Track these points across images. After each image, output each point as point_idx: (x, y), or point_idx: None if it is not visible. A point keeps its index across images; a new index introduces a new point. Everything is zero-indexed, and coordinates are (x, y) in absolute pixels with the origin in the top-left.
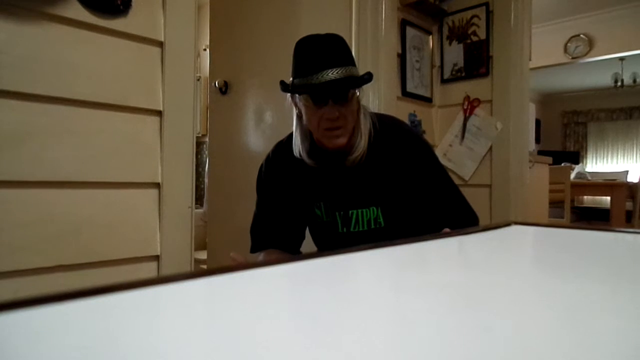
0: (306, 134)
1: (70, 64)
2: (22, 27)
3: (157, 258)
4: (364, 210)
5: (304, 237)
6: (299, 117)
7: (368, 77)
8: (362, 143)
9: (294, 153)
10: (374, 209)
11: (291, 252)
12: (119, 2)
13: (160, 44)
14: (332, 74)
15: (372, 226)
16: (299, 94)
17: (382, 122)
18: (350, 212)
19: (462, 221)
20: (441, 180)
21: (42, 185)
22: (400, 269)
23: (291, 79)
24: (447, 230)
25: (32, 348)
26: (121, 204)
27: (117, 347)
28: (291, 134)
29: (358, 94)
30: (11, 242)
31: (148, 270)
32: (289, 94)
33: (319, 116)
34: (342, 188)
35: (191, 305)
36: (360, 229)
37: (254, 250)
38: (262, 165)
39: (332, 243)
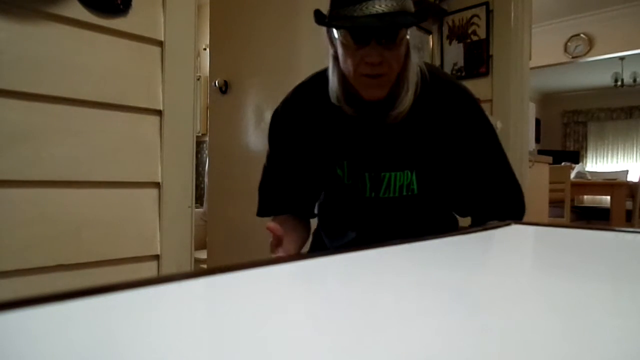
0: (341, 79)
1: (70, 63)
2: (22, 27)
3: (157, 258)
4: (398, 173)
5: (318, 199)
6: (335, 58)
7: (424, 15)
8: (407, 97)
9: (331, 99)
10: (408, 173)
11: (305, 217)
12: (119, 1)
13: (160, 44)
14: (379, 5)
15: (404, 193)
16: (336, 29)
17: (433, 75)
18: (382, 174)
19: (504, 212)
20: (493, 157)
21: (42, 185)
22: (400, 268)
23: (329, 8)
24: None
25: (32, 348)
26: (121, 203)
27: (117, 346)
28: (313, 76)
29: (409, 35)
30: (11, 242)
31: (148, 270)
32: (325, 29)
33: (358, 58)
34: (376, 146)
35: (191, 305)
36: (391, 195)
37: (262, 213)
38: (277, 110)
39: (356, 210)
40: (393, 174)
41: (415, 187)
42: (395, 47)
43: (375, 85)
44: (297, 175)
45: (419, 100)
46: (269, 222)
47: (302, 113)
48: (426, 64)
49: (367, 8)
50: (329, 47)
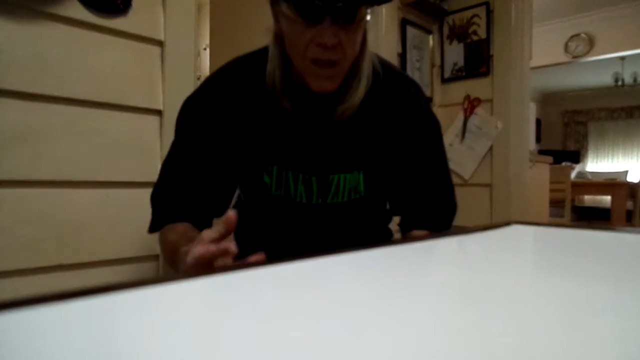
0: (284, 62)
1: (70, 63)
2: (22, 27)
3: (157, 258)
4: (347, 175)
5: (224, 210)
6: (278, 36)
7: None
8: (359, 91)
9: (267, 87)
10: (357, 174)
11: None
12: (119, 1)
13: (161, 44)
14: None
15: (353, 196)
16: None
17: (387, 69)
18: (330, 177)
19: (434, 215)
20: (436, 159)
21: (42, 185)
22: (400, 268)
23: None
24: (418, 233)
25: (32, 348)
26: (121, 203)
27: (117, 347)
28: (241, 57)
29: (369, 16)
30: (11, 242)
31: (148, 270)
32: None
33: (307, 39)
34: (322, 145)
35: (191, 305)
36: (339, 199)
37: (157, 224)
38: (191, 96)
39: (297, 220)
40: (342, 176)
41: (362, 189)
42: (353, 29)
43: (326, 75)
44: (205, 176)
45: (369, 95)
46: (231, 211)
47: (222, 101)
48: (379, 56)
49: None
50: (274, 23)
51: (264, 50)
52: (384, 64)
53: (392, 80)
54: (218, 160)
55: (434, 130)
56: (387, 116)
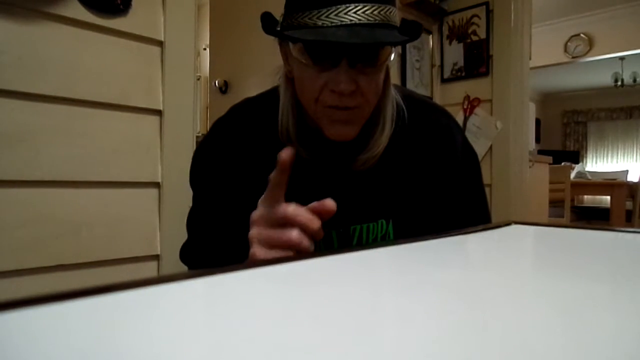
0: (297, 107)
1: (70, 63)
2: (22, 27)
3: (157, 258)
4: (371, 225)
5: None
6: (288, 78)
7: (416, 30)
8: (383, 137)
9: (280, 136)
10: (383, 222)
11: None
12: (118, 1)
13: (160, 44)
14: (355, 13)
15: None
16: (292, 42)
17: (411, 102)
18: (352, 228)
19: None
20: (475, 199)
21: (42, 185)
22: (400, 268)
23: (283, 12)
24: None
25: (32, 348)
26: (121, 203)
27: (117, 347)
28: (250, 100)
29: (393, 56)
30: (11, 242)
31: (148, 270)
32: (278, 39)
33: (321, 83)
34: (342, 196)
35: (191, 305)
36: None
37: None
38: (200, 147)
39: None
40: (365, 225)
41: (391, 237)
42: (374, 72)
43: (343, 120)
44: (233, 223)
45: (393, 137)
46: (287, 149)
47: (233, 150)
48: (401, 88)
49: (336, 15)
50: (283, 65)
51: (273, 92)
52: (407, 96)
53: (419, 114)
54: (240, 206)
55: (472, 161)
56: (417, 156)
